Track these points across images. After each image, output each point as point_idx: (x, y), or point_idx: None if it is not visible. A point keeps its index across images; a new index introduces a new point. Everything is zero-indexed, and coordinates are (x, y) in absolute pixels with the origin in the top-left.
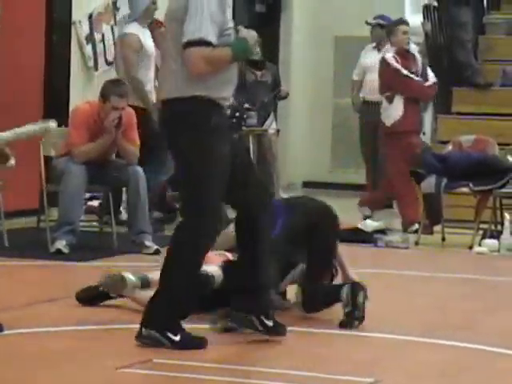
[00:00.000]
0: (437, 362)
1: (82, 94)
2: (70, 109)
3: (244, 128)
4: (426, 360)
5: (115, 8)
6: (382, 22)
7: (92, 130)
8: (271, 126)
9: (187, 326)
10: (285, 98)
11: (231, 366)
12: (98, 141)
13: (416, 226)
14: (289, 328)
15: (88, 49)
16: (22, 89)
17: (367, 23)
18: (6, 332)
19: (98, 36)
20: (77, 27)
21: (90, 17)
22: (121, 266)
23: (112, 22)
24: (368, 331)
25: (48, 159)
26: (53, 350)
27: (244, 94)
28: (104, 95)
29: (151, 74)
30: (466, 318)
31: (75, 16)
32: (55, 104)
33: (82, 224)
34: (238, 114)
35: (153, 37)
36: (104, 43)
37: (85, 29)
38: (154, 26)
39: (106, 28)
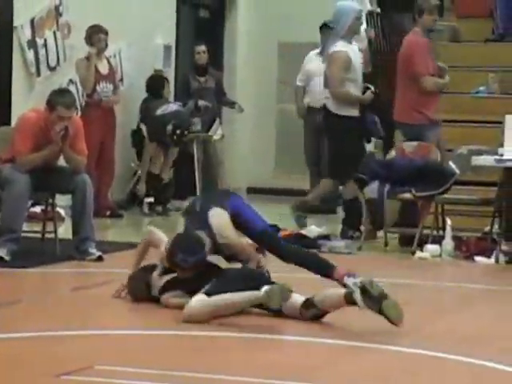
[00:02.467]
0: (377, 367)
1: (24, 99)
2: (12, 114)
3: (188, 134)
4: (366, 365)
5: (58, 13)
6: (331, 24)
7: (38, 138)
8: (216, 131)
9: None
10: (239, 112)
11: (174, 372)
12: (44, 151)
13: None
14: (232, 334)
15: (30, 54)
16: None
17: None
18: None
19: (40, 41)
20: (18, 32)
21: (32, 22)
22: (64, 272)
23: (55, 27)
24: (310, 336)
25: None
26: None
27: (188, 101)
28: (51, 104)
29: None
30: (406, 323)
31: (17, 21)
32: None
33: (24, 230)
34: (178, 132)
35: None
36: (46, 49)
37: (27, 34)
38: None
39: (48, 33)
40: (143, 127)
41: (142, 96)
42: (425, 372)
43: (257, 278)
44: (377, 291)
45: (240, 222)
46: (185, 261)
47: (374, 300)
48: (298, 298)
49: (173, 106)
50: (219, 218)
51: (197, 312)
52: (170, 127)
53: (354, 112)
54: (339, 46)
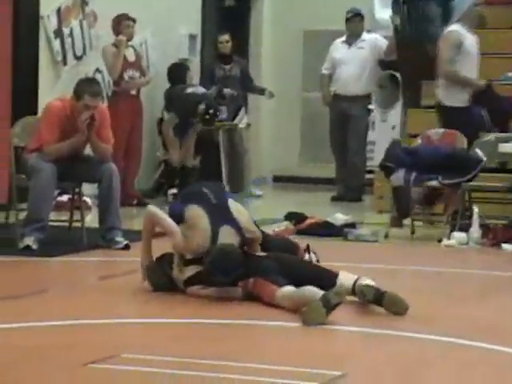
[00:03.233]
0: (403, 354)
1: (51, 88)
2: (39, 103)
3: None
4: (392, 352)
5: (84, 2)
6: (359, 12)
7: (64, 127)
8: (242, 120)
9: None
10: (269, 98)
11: (200, 360)
12: (70, 140)
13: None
14: (260, 322)
15: (56, 43)
16: None
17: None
18: None
19: (66, 31)
20: (45, 21)
21: (59, 11)
22: (91, 260)
23: (81, 17)
24: (336, 324)
25: (17, 150)
26: (20, 345)
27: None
28: (78, 93)
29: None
30: (432, 310)
31: (43, 10)
32: (24, 99)
33: (51, 219)
34: (211, 111)
35: None
36: (72, 38)
37: (53, 23)
38: None
39: (74, 23)
40: (166, 115)
41: (168, 85)
42: (450, 360)
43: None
44: (371, 296)
45: None
46: (225, 279)
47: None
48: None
49: (200, 88)
50: (242, 212)
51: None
52: (202, 106)
53: (464, 101)
54: (452, 27)
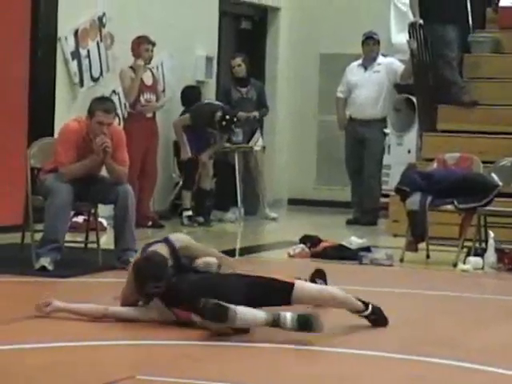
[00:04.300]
0: (415, 378)
1: (68, 110)
2: (55, 125)
3: (230, 145)
4: (405, 376)
5: (101, 24)
6: (375, 36)
7: (80, 148)
8: (257, 142)
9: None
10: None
11: (215, 382)
12: (85, 161)
13: None
14: (270, 345)
15: (73, 65)
16: (7, 105)
17: (365, 38)
18: None
19: (83, 52)
20: (62, 43)
21: (76, 33)
22: (106, 282)
23: (98, 38)
24: (351, 347)
25: (33, 171)
26: (35, 365)
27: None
28: (91, 111)
29: None
30: (447, 334)
31: (61, 32)
32: (40, 120)
33: (66, 239)
34: (228, 117)
35: None
36: (89, 59)
37: (70, 45)
38: None
39: (91, 44)
40: (184, 136)
41: (181, 109)
42: (459, 382)
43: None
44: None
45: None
46: (157, 287)
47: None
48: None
49: (217, 102)
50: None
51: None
52: (219, 113)
53: None
54: None
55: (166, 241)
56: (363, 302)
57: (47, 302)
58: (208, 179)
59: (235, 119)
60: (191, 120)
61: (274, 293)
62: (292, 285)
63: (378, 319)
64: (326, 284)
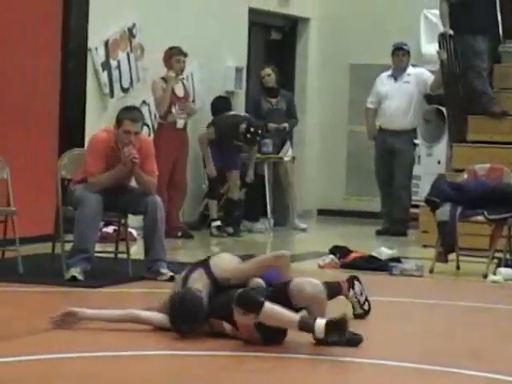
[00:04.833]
0: None
1: (98, 121)
2: (86, 135)
3: (260, 155)
4: None
5: (131, 35)
6: (405, 46)
7: (109, 157)
8: (287, 153)
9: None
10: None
11: None
12: (113, 171)
13: None
14: (297, 356)
15: (104, 76)
16: (38, 115)
17: (395, 49)
18: (18, 358)
19: (113, 63)
20: (93, 54)
21: (106, 44)
22: (136, 292)
23: (128, 49)
24: (380, 359)
25: (64, 182)
26: (65, 375)
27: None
28: (118, 120)
29: None
30: (478, 346)
31: (91, 43)
32: (71, 131)
33: (96, 250)
34: (252, 130)
35: None
36: (120, 70)
37: (101, 55)
38: None
39: (121, 55)
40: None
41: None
42: None
43: None
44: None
45: None
46: (187, 327)
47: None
48: None
49: (243, 113)
50: (222, 257)
51: None
52: (243, 125)
53: None
54: None
55: (207, 268)
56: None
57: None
58: (236, 189)
59: (260, 131)
60: (216, 133)
61: (276, 296)
62: (288, 281)
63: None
64: (362, 286)
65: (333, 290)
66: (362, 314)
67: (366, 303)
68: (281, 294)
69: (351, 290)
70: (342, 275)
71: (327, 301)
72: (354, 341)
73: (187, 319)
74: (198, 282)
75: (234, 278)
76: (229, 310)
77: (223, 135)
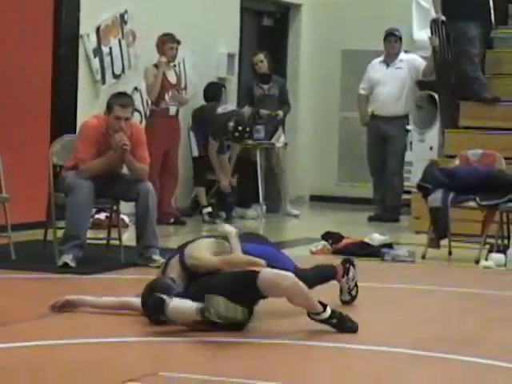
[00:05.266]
0: (442, 377)
1: (89, 107)
2: (78, 122)
3: (251, 141)
4: (431, 375)
5: (123, 21)
6: (397, 32)
7: (100, 144)
8: (279, 139)
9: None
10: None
11: (238, 379)
12: (104, 158)
13: None
14: (292, 342)
15: (95, 62)
16: (29, 102)
17: (386, 35)
18: (12, 345)
19: (105, 49)
20: (84, 40)
21: (98, 30)
22: (128, 279)
23: (120, 36)
24: (373, 344)
25: (55, 168)
26: (58, 362)
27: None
28: (109, 106)
29: None
30: (470, 331)
31: (83, 29)
32: (62, 117)
33: (88, 236)
34: (240, 128)
35: None
36: (112, 57)
37: (92, 42)
38: None
39: (113, 41)
40: (191, 135)
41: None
42: (488, 382)
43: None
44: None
45: None
46: (155, 318)
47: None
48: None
49: (230, 106)
50: (199, 242)
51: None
52: (231, 123)
53: None
54: None
55: (181, 254)
56: (322, 304)
57: (60, 300)
58: (226, 174)
59: (248, 128)
60: (214, 139)
61: (242, 285)
62: (256, 273)
63: (340, 323)
64: (355, 269)
65: (327, 274)
66: (349, 300)
67: (355, 289)
68: (247, 285)
69: (345, 276)
70: (333, 261)
71: (319, 285)
72: (351, 328)
73: (155, 310)
74: (173, 270)
75: (202, 267)
76: (201, 299)
77: (217, 135)
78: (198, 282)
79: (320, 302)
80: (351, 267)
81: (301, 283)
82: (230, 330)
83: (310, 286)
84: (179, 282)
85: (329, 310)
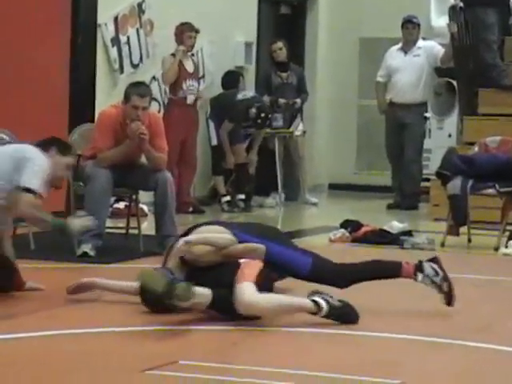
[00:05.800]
0: (460, 364)
1: (108, 96)
2: (96, 112)
3: (270, 130)
4: (448, 361)
5: (141, 10)
6: (415, 19)
7: (118, 133)
8: (298, 127)
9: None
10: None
11: (258, 367)
12: (121, 146)
13: None
14: (308, 329)
15: (113, 51)
16: (48, 92)
17: (404, 22)
18: (32, 334)
19: (123, 38)
20: (102, 30)
21: (116, 19)
22: (147, 268)
23: (137, 25)
24: (391, 332)
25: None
26: (79, 352)
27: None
28: (126, 95)
29: None
30: (487, 319)
31: (101, 18)
32: (81, 107)
33: (108, 226)
34: (263, 115)
35: None
36: (129, 46)
37: (110, 31)
38: None
39: (131, 31)
40: (210, 123)
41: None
42: (508, 369)
43: None
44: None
45: None
46: (152, 308)
47: None
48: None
49: (250, 92)
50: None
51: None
52: (253, 110)
53: None
54: None
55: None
56: (315, 302)
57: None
58: (242, 161)
59: (270, 115)
60: (231, 122)
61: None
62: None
63: (340, 317)
64: (443, 270)
65: (386, 271)
66: (443, 298)
67: (445, 284)
68: (226, 296)
69: (418, 273)
70: (352, 249)
71: (374, 280)
72: (351, 319)
73: (149, 301)
74: (173, 260)
75: (200, 260)
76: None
77: (236, 121)
78: (198, 275)
79: (314, 301)
80: (427, 263)
81: (273, 299)
82: (244, 319)
83: (358, 280)
84: (177, 273)
85: (324, 309)
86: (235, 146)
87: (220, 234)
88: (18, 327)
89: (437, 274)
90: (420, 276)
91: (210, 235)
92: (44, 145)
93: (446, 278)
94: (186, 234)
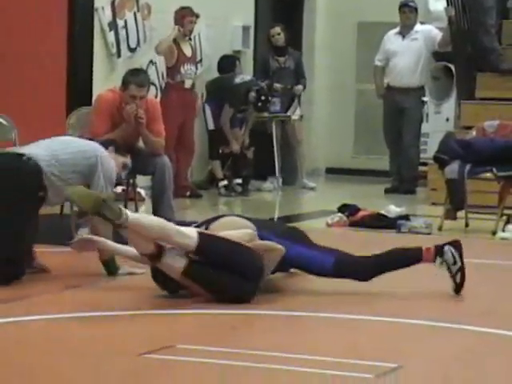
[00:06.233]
0: (459, 348)
1: (105, 80)
2: (93, 96)
3: (267, 114)
4: (447, 345)
5: None
6: (412, 3)
7: (115, 117)
8: (295, 111)
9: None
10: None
11: (255, 351)
12: (117, 130)
13: None
14: (306, 313)
15: (111, 35)
16: (45, 76)
17: (402, 6)
18: (30, 318)
19: (120, 22)
20: (99, 13)
21: (113, 3)
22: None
23: (135, 9)
24: (389, 317)
25: None
26: (76, 335)
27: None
28: (124, 83)
29: None
30: (486, 302)
31: (98, 2)
32: (78, 91)
33: None
34: (263, 98)
35: None
36: (127, 30)
37: (107, 15)
38: None
39: (128, 15)
40: (206, 107)
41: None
42: (507, 352)
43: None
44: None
45: None
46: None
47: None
48: None
49: (247, 76)
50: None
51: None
52: (253, 94)
53: None
54: None
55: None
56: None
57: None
58: (238, 145)
59: (269, 98)
60: (231, 107)
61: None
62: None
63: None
64: (462, 261)
65: (408, 259)
66: (453, 287)
67: (459, 274)
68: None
69: (438, 257)
70: (350, 233)
71: (398, 269)
72: None
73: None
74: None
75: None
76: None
77: (235, 104)
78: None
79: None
80: (447, 248)
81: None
82: (240, 302)
83: (382, 272)
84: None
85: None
86: (232, 130)
87: (241, 230)
88: (19, 311)
89: (455, 262)
90: (439, 260)
91: (233, 232)
92: (103, 144)
93: (462, 269)
94: (206, 223)
